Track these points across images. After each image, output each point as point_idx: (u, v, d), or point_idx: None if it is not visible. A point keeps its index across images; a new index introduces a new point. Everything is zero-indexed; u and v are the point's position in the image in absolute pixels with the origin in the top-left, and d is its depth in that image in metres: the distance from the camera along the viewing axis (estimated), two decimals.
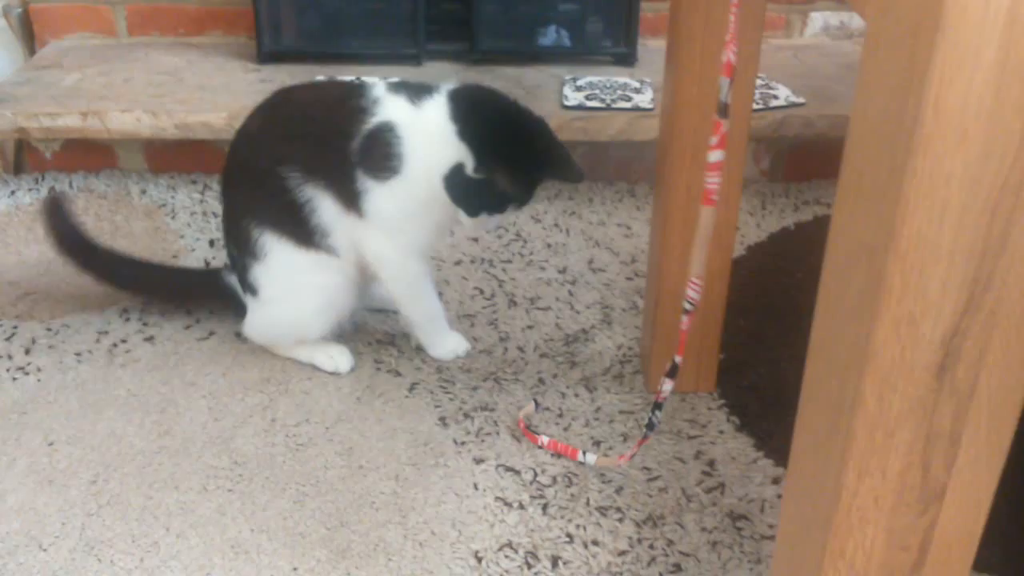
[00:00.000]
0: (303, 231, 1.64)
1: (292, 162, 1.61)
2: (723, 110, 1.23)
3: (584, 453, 1.53)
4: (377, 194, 1.59)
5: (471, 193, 1.57)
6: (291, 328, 1.75)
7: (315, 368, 1.75)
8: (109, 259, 1.87)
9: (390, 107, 1.59)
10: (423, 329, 1.78)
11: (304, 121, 1.65)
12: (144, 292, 1.92)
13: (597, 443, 1.58)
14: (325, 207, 1.62)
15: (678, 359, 1.41)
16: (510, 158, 1.56)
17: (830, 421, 0.82)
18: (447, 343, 1.79)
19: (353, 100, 1.61)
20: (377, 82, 1.65)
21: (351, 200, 1.60)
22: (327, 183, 1.61)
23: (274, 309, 1.73)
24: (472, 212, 1.59)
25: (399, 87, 1.63)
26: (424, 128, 1.57)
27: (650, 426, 1.46)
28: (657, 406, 1.44)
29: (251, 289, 1.73)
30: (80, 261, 1.85)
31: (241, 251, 1.70)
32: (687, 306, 1.37)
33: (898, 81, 0.68)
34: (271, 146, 1.65)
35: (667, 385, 1.43)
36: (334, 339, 1.78)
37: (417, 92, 1.61)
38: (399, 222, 1.62)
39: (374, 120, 1.58)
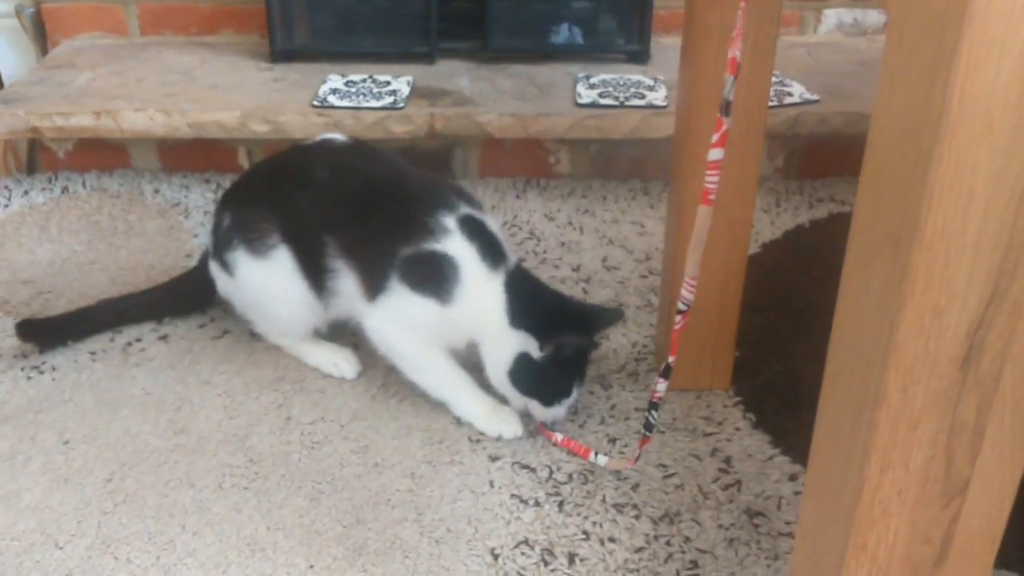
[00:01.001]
0: (315, 279, 1.67)
1: (336, 234, 1.62)
2: (726, 108, 1.22)
3: (596, 454, 1.53)
4: (406, 298, 1.58)
5: (542, 378, 1.56)
6: (268, 320, 1.78)
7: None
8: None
9: (457, 246, 1.57)
10: (452, 404, 1.65)
11: (363, 204, 1.64)
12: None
13: (612, 440, 1.58)
14: (347, 281, 1.64)
15: (671, 360, 1.40)
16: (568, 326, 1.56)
17: (853, 414, 0.82)
18: (488, 411, 1.63)
19: (421, 215, 1.60)
20: (448, 209, 1.61)
21: (375, 288, 1.60)
22: (359, 265, 1.62)
23: (249, 298, 1.77)
24: (547, 400, 1.57)
25: (471, 229, 1.60)
26: (487, 288, 1.58)
27: (648, 427, 1.46)
28: (653, 406, 1.44)
29: (226, 265, 1.73)
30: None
31: (238, 231, 1.70)
32: (681, 306, 1.36)
33: (923, 70, 0.68)
34: (325, 207, 1.66)
35: (661, 385, 1.42)
36: (343, 342, 1.78)
37: (488, 251, 1.59)
38: (416, 325, 1.61)
39: (435, 245, 1.57)
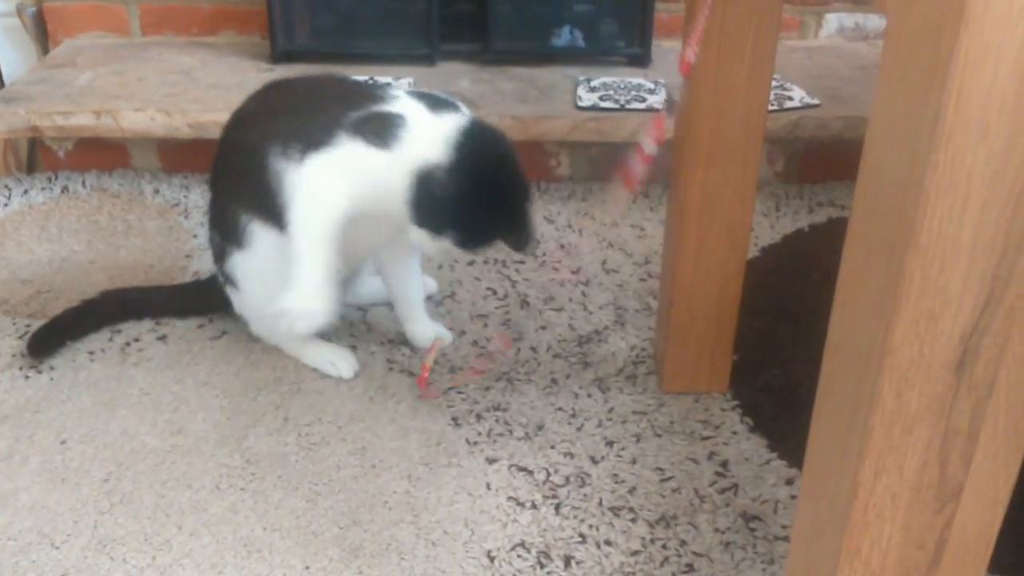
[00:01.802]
0: (276, 210, 1.59)
1: (276, 136, 1.58)
2: (671, 105, 1.21)
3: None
4: (351, 147, 1.53)
5: (432, 211, 1.52)
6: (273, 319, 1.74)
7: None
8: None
9: (406, 105, 1.57)
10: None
11: (299, 96, 1.66)
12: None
13: (610, 443, 1.58)
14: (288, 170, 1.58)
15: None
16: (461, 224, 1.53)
17: (847, 418, 0.82)
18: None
19: (367, 85, 1.63)
20: (395, 89, 1.63)
21: (313, 147, 1.54)
22: (301, 149, 1.55)
23: (255, 299, 1.73)
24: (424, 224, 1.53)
25: (420, 95, 1.61)
26: (430, 138, 1.53)
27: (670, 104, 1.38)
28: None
29: (230, 280, 1.73)
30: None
31: (224, 238, 1.69)
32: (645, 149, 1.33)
33: (920, 74, 0.68)
34: (261, 124, 1.64)
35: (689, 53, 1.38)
36: (340, 343, 1.78)
37: (438, 105, 1.58)
38: (354, 177, 1.54)
39: (385, 106, 1.56)
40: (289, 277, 1.54)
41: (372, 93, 1.59)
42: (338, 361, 1.74)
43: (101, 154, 2.45)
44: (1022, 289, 0.71)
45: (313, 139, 1.54)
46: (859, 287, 0.80)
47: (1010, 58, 0.63)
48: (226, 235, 1.69)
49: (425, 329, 1.80)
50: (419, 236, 1.54)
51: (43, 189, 2.36)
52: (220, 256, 1.73)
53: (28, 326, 1.84)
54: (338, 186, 1.54)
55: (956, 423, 0.77)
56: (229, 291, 1.76)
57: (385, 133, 1.52)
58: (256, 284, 1.71)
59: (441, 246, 1.55)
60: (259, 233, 1.64)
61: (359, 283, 1.81)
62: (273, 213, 1.59)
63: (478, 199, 1.51)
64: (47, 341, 1.78)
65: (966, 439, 0.77)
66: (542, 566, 1.36)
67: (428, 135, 1.53)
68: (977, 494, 0.80)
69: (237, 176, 1.67)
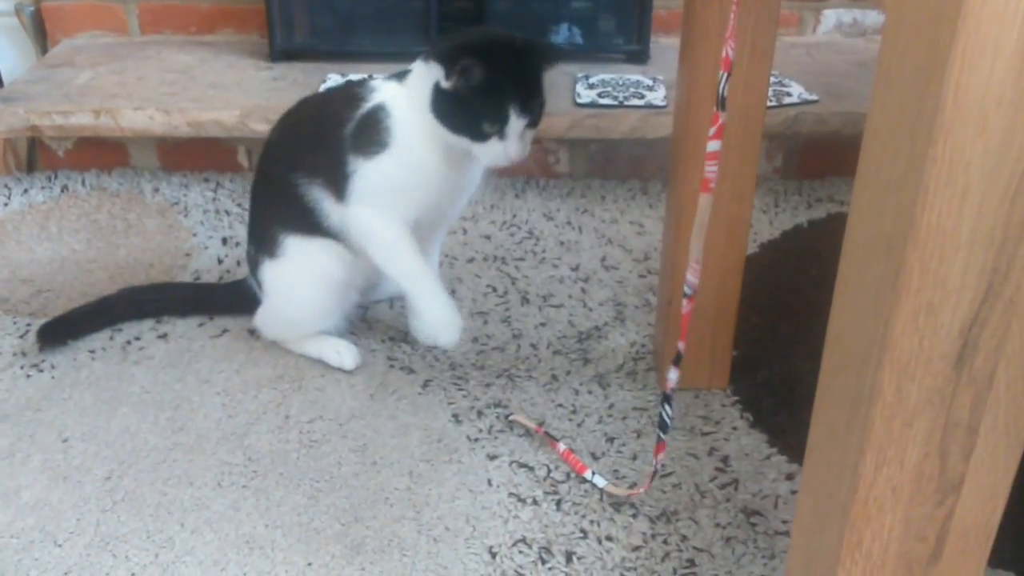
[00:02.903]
0: (311, 224, 1.66)
1: (300, 168, 1.65)
2: (721, 103, 1.23)
3: (593, 473, 1.51)
4: (365, 170, 1.58)
5: (460, 108, 1.51)
6: (293, 319, 1.77)
7: (324, 364, 1.76)
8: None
9: (382, 91, 1.61)
10: (408, 292, 1.67)
11: (309, 123, 1.69)
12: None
13: (611, 439, 1.58)
14: (323, 200, 1.64)
15: (681, 346, 1.40)
16: (476, 49, 1.50)
17: (848, 411, 0.82)
18: (434, 311, 1.63)
19: (350, 91, 1.64)
20: (374, 80, 1.67)
21: (341, 184, 1.60)
22: (325, 178, 1.63)
23: (277, 300, 1.75)
24: (476, 134, 1.51)
25: (392, 75, 1.64)
26: (407, 93, 1.58)
27: (663, 427, 1.42)
28: (666, 399, 1.42)
29: (260, 284, 1.75)
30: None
31: (259, 250, 1.73)
32: (687, 291, 1.36)
33: (918, 69, 0.68)
34: (285, 155, 1.70)
35: (673, 374, 1.41)
36: (342, 336, 1.79)
37: (404, 73, 1.62)
38: (385, 193, 1.60)
39: (367, 105, 1.60)
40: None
41: (354, 95, 1.63)
42: (343, 350, 1.75)
43: (100, 153, 2.45)
44: (1021, 282, 0.71)
45: (334, 176, 1.61)
46: (859, 281, 0.80)
47: (1007, 52, 0.63)
48: (260, 247, 1.73)
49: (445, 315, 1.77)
50: (492, 150, 1.53)
51: (43, 188, 2.36)
52: (254, 265, 1.77)
53: (29, 325, 1.85)
54: (390, 214, 1.61)
55: (956, 416, 0.77)
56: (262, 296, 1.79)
57: (377, 135, 1.57)
58: (290, 292, 1.74)
59: (519, 140, 1.53)
60: (291, 245, 1.69)
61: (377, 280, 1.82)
62: (308, 226, 1.67)
63: (475, 47, 1.51)
64: (56, 334, 1.80)
65: (966, 432, 0.78)
66: (543, 562, 1.37)
67: (407, 99, 1.57)
68: (977, 486, 0.80)
69: (273, 201, 1.73)
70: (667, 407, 1.42)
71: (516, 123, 1.50)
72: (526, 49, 1.53)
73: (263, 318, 1.79)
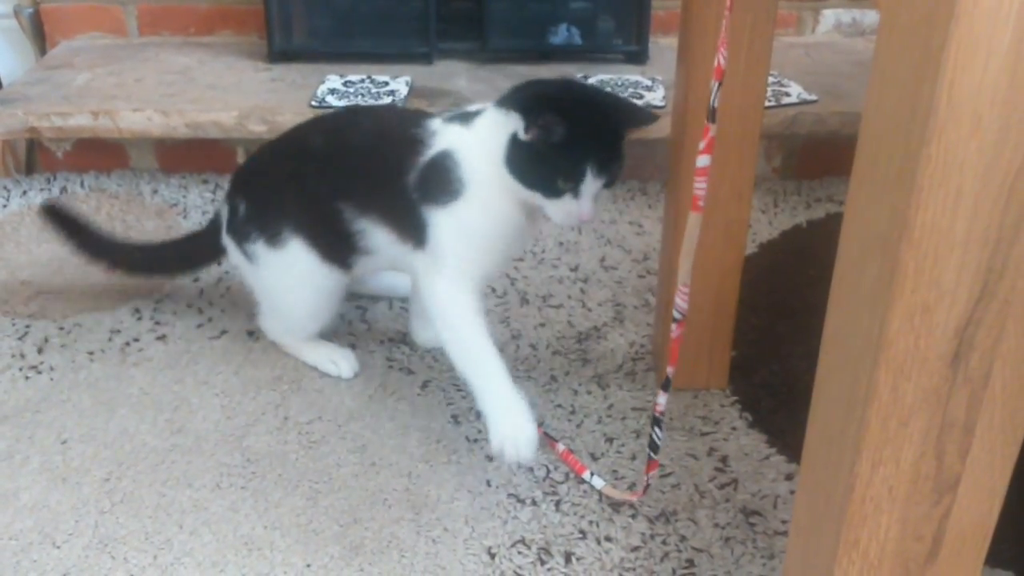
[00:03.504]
0: (339, 251, 1.62)
1: (349, 198, 1.58)
2: (711, 114, 1.23)
3: (592, 475, 1.51)
4: (439, 221, 1.49)
5: (536, 163, 1.42)
6: (290, 320, 1.77)
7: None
8: (117, 248, 1.91)
9: (445, 135, 1.52)
10: (479, 394, 1.48)
11: (362, 157, 1.60)
12: (155, 272, 1.96)
13: (610, 440, 1.58)
14: (378, 236, 1.58)
15: (670, 371, 1.40)
16: (559, 104, 1.41)
17: (844, 411, 0.82)
18: (507, 420, 1.44)
19: (407, 132, 1.54)
20: (435, 115, 1.58)
21: (409, 232, 1.53)
22: (382, 216, 1.56)
23: (274, 300, 1.75)
24: (550, 190, 1.42)
25: (453, 117, 1.55)
26: (476, 139, 1.49)
27: (653, 447, 1.42)
28: (656, 422, 1.41)
29: (249, 254, 1.70)
30: (90, 254, 1.88)
31: (252, 222, 1.68)
32: (676, 315, 1.36)
33: (912, 68, 0.68)
34: (331, 175, 1.61)
35: (662, 398, 1.41)
36: (340, 341, 1.79)
37: (469, 116, 1.53)
38: (461, 249, 1.50)
39: (430, 151, 1.50)
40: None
41: (414, 138, 1.53)
42: (340, 360, 1.74)
43: (99, 155, 2.45)
44: (1016, 281, 0.71)
45: (405, 224, 1.53)
46: (854, 281, 0.80)
47: (1000, 52, 0.63)
48: (258, 223, 1.68)
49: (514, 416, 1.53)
50: (564, 208, 1.44)
51: (42, 190, 2.36)
52: (242, 231, 1.70)
53: (28, 327, 1.85)
54: (468, 276, 1.51)
55: (952, 415, 0.77)
56: (234, 254, 1.75)
57: (448, 184, 1.48)
58: (277, 288, 1.72)
59: (592, 199, 1.44)
60: (295, 249, 1.65)
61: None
62: (326, 247, 1.64)
63: (559, 102, 1.43)
64: (59, 215, 1.85)
65: (962, 431, 0.78)
66: (542, 562, 1.37)
67: (478, 147, 1.48)
68: (974, 486, 0.80)
69: (298, 199, 1.65)
70: (657, 429, 1.42)
71: (592, 183, 1.42)
72: (610, 109, 1.46)
73: (264, 319, 1.80)
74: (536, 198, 1.44)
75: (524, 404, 1.45)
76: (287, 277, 1.69)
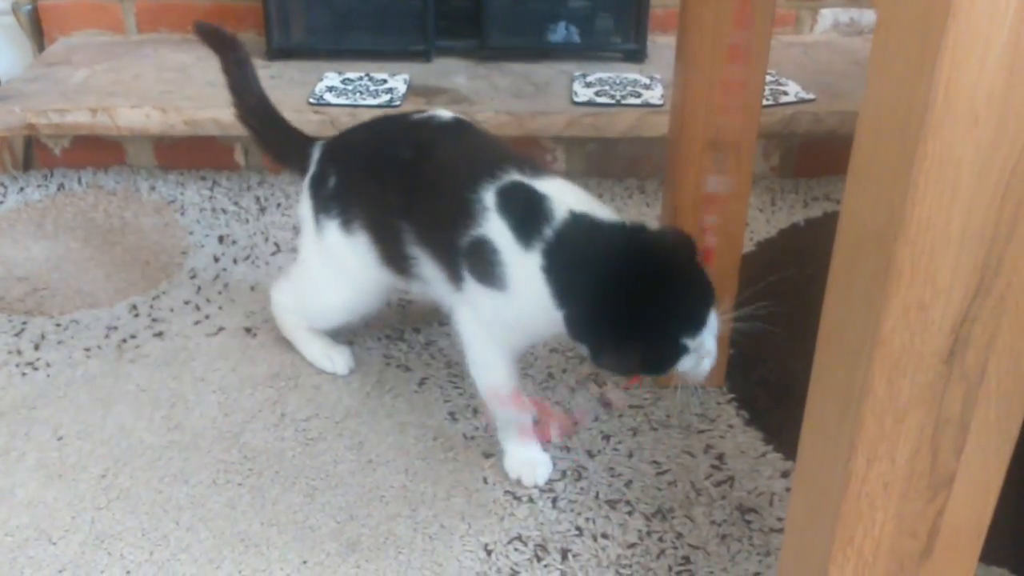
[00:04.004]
0: (397, 264, 1.56)
1: (412, 223, 1.50)
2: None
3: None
4: (480, 294, 1.41)
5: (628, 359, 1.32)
6: (314, 308, 1.73)
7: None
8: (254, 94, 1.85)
9: (494, 225, 1.38)
10: (500, 429, 1.53)
11: (435, 191, 1.49)
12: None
13: (607, 437, 1.58)
14: (430, 269, 1.51)
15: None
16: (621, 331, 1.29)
17: (839, 407, 0.82)
18: (521, 454, 1.52)
19: (467, 194, 1.40)
20: (489, 179, 1.41)
21: (455, 277, 1.45)
22: (435, 253, 1.48)
23: (307, 285, 1.71)
24: (653, 370, 1.40)
25: (507, 203, 1.38)
26: (527, 271, 1.35)
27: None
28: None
29: (320, 225, 1.63)
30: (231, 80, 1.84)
31: (337, 201, 1.61)
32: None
33: (909, 65, 0.68)
34: (401, 192, 1.53)
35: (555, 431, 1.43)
36: (338, 338, 1.78)
37: (523, 224, 1.36)
38: (497, 324, 1.44)
39: (478, 231, 1.38)
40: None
41: (468, 202, 1.40)
42: (335, 356, 1.74)
43: (97, 151, 2.45)
44: (1011, 278, 0.71)
45: (451, 269, 1.45)
46: (850, 278, 0.80)
47: (997, 48, 0.64)
48: (341, 203, 1.61)
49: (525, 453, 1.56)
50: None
51: (39, 187, 2.36)
52: (324, 202, 1.63)
53: (24, 323, 1.85)
54: (488, 331, 1.46)
55: (947, 411, 0.77)
56: (310, 221, 1.66)
57: (492, 275, 1.38)
58: (326, 270, 1.66)
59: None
60: (361, 243, 1.58)
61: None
62: (389, 258, 1.57)
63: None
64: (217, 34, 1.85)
65: (957, 427, 0.78)
66: (539, 559, 1.37)
67: (526, 272, 1.36)
68: (969, 482, 0.81)
69: (372, 196, 1.58)
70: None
71: (696, 346, 1.31)
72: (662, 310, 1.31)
73: (281, 291, 1.77)
74: None
75: (535, 438, 1.52)
76: (341, 265, 1.62)
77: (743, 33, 1.25)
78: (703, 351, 1.31)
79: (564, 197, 1.37)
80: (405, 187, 1.52)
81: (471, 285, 1.41)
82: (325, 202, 1.62)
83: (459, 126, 1.61)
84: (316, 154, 1.67)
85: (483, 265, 1.38)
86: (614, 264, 1.30)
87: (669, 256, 1.30)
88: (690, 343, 1.29)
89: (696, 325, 1.29)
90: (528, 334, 1.47)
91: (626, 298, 1.27)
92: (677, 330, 1.29)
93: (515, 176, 1.40)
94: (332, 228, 1.60)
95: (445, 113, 1.62)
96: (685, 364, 1.31)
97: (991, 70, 0.65)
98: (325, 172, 1.63)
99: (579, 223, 1.34)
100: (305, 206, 1.66)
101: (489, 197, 1.39)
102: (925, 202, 0.69)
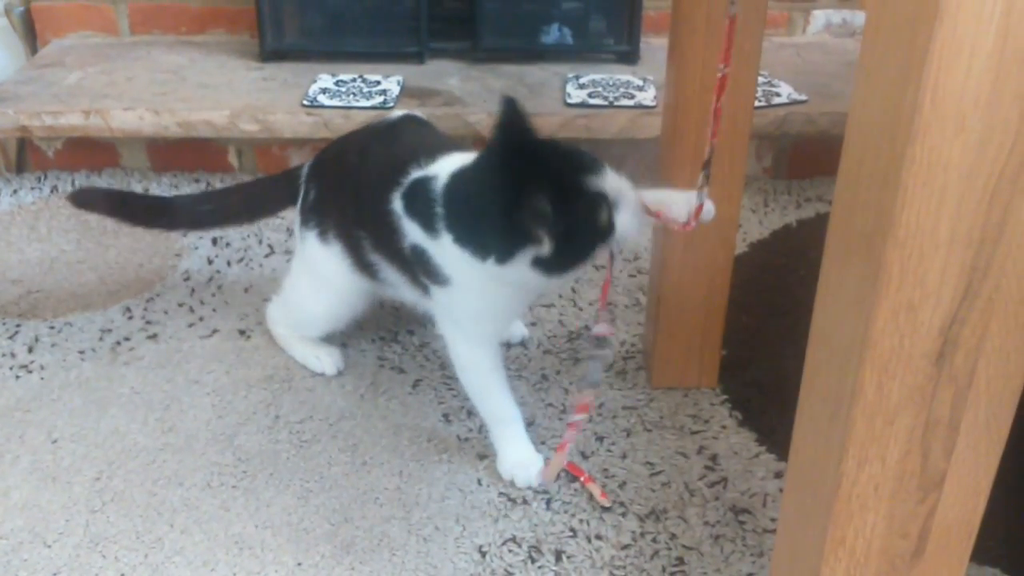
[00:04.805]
0: (365, 270, 1.59)
1: (365, 230, 1.54)
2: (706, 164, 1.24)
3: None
4: (439, 293, 1.44)
5: (575, 244, 1.31)
6: (303, 317, 1.76)
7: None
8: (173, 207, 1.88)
9: (412, 230, 1.42)
10: (491, 431, 1.54)
11: (376, 196, 1.48)
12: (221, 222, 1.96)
13: (600, 439, 1.59)
14: (391, 274, 1.54)
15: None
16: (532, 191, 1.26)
17: (830, 410, 0.82)
18: (514, 455, 1.52)
19: (386, 207, 1.44)
20: (399, 188, 1.43)
21: (418, 284, 1.49)
22: (391, 261, 1.52)
23: (296, 295, 1.75)
24: (607, 237, 1.33)
25: (410, 205, 1.41)
26: (450, 254, 1.37)
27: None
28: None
29: (302, 237, 1.68)
30: (144, 222, 1.87)
31: (315, 213, 1.65)
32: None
33: (897, 69, 0.68)
34: (355, 202, 1.56)
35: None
36: (331, 340, 1.78)
37: (425, 217, 1.38)
38: (464, 320, 1.46)
39: (407, 240, 1.43)
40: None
41: (394, 216, 1.44)
42: (323, 357, 1.74)
43: (90, 154, 2.45)
44: (999, 280, 0.71)
45: (410, 274, 1.49)
46: (840, 280, 0.80)
47: (984, 52, 0.64)
48: (318, 214, 1.64)
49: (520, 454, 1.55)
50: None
51: (32, 189, 2.36)
52: (305, 215, 1.67)
53: (18, 326, 1.85)
54: (477, 339, 1.48)
55: (937, 413, 0.77)
56: (297, 238, 1.72)
57: (435, 273, 1.41)
58: (308, 280, 1.70)
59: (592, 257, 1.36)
60: (336, 251, 1.62)
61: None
62: (360, 264, 1.59)
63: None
64: (90, 195, 1.86)
65: (947, 429, 0.78)
66: (533, 561, 1.37)
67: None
68: (959, 483, 0.81)
69: (339, 206, 1.61)
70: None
71: (615, 192, 1.34)
72: (547, 155, 1.33)
73: (274, 305, 1.81)
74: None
75: (529, 442, 1.54)
76: (321, 274, 1.66)
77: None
78: (623, 202, 1.34)
79: (447, 167, 1.39)
80: (355, 195, 1.56)
81: (432, 288, 1.44)
82: (305, 214, 1.68)
83: (394, 127, 1.65)
84: (304, 172, 1.72)
85: (426, 267, 1.42)
86: (477, 171, 1.35)
87: (511, 129, 1.30)
88: (600, 186, 1.31)
89: (590, 165, 1.32)
90: (503, 311, 1.49)
91: (511, 176, 1.27)
92: (573, 171, 1.30)
93: (413, 174, 1.42)
94: (311, 239, 1.65)
95: (396, 112, 1.68)
96: (616, 221, 1.32)
97: (978, 74, 0.65)
98: (308, 187, 1.69)
99: (453, 179, 1.37)
100: (296, 224, 1.72)
101: (399, 206, 1.42)
102: (914, 205, 0.69)
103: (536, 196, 1.25)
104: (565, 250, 1.30)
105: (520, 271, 1.31)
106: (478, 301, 1.42)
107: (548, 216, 1.26)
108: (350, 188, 1.58)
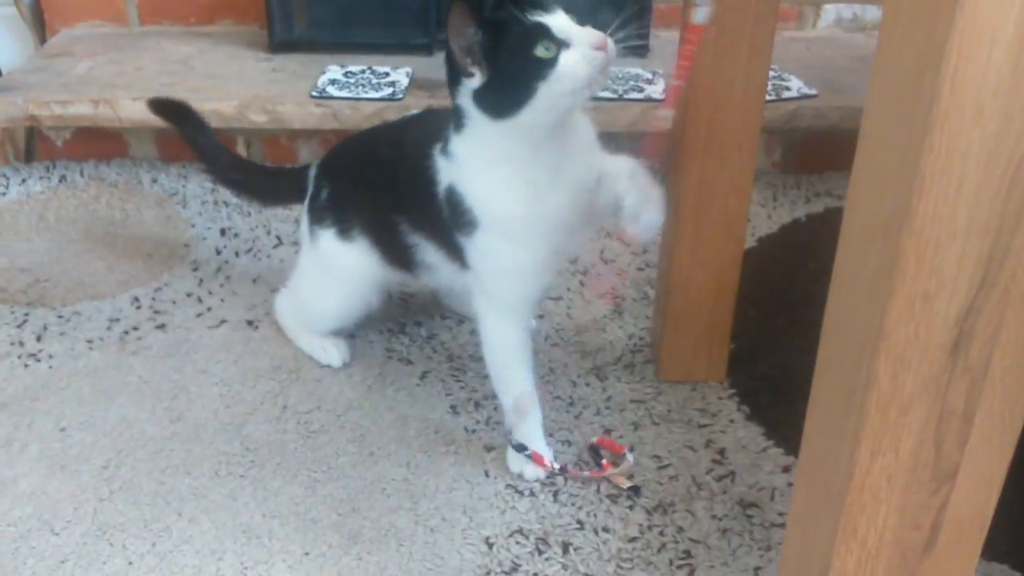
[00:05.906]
0: (402, 259, 1.60)
1: (403, 212, 1.55)
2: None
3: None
4: (472, 250, 1.42)
5: (511, 73, 1.29)
6: (315, 313, 1.76)
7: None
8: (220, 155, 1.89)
9: (445, 170, 1.42)
10: (508, 418, 1.52)
11: (409, 173, 1.50)
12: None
13: (608, 432, 1.58)
14: (431, 252, 1.53)
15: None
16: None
17: (843, 400, 0.82)
18: (529, 442, 1.51)
19: (427, 164, 1.45)
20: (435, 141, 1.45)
21: (454, 253, 1.47)
22: (430, 235, 1.51)
23: (306, 289, 1.76)
24: (547, 69, 1.29)
25: (444, 148, 1.43)
26: (466, 164, 1.39)
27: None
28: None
29: (314, 236, 1.68)
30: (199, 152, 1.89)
31: (332, 212, 1.66)
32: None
33: (915, 57, 0.68)
34: (390, 189, 1.57)
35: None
36: (340, 332, 1.78)
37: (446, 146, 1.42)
38: (498, 275, 1.44)
39: (442, 187, 1.42)
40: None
41: (430, 170, 1.45)
42: (330, 348, 1.74)
43: (99, 143, 2.45)
44: (1016, 270, 0.71)
45: (448, 244, 1.48)
46: (855, 269, 0.80)
47: (1004, 41, 0.64)
48: (336, 214, 1.66)
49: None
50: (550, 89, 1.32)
51: (41, 178, 2.36)
52: (318, 214, 1.68)
53: (27, 315, 1.85)
54: (508, 310, 1.47)
55: (951, 404, 0.77)
56: (306, 236, 1.73)
57: (465, 216, 1.41)
58: (323, 278, 1.71)
59: (572, 67, 1.34)
60: (361, 248, 1.63)
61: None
62: (392, 256, 1.62)
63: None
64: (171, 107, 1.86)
65: (961, 420, 0.78)
66: (540, 552, 1.37)
67: (471, 171, 1.40)
68: (972, 475, 0.81)
69: (365, 200, 1.63)
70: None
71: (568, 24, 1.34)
72: None
73: (282, 298, 1.82)
74: (554, 92, 1.31)
75: (543, 435, 1.52)
76: (337, 271, 1.67)
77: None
78: (575, 43, 1.35)
79: None
80: (390, 182, 1.56)
81: (468, 250, 1.43)
82: (319, 213, 1.68)
83: (422, 114, 1.71)
84: (312, 173, 1.74)
85: (459, 214, 1.40)
86: None
87: None
88: (543, 20, 1.32)
89: (539, 3, 1.34)
90: (531, 264, 1.42)
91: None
92: (515, 4, 1.31)
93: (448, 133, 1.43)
94: (327, 237, 1.66)
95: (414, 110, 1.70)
96: (560, 58, 1.31)
97: (997, 63, 0.65)
98: (319, 187, 1.70)
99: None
100: (303, 221, 1.73)
101: (437, 149, 1.43)
102: (931, 194, 0.69)
103: (456, 14, 1.25)
104: (501, 85, 1.29)
105: (482, 123, 1.33)
106: (506, 245, 1.39)
107: (475, 43, 1.27)
108: (384, 177, 1.58)
